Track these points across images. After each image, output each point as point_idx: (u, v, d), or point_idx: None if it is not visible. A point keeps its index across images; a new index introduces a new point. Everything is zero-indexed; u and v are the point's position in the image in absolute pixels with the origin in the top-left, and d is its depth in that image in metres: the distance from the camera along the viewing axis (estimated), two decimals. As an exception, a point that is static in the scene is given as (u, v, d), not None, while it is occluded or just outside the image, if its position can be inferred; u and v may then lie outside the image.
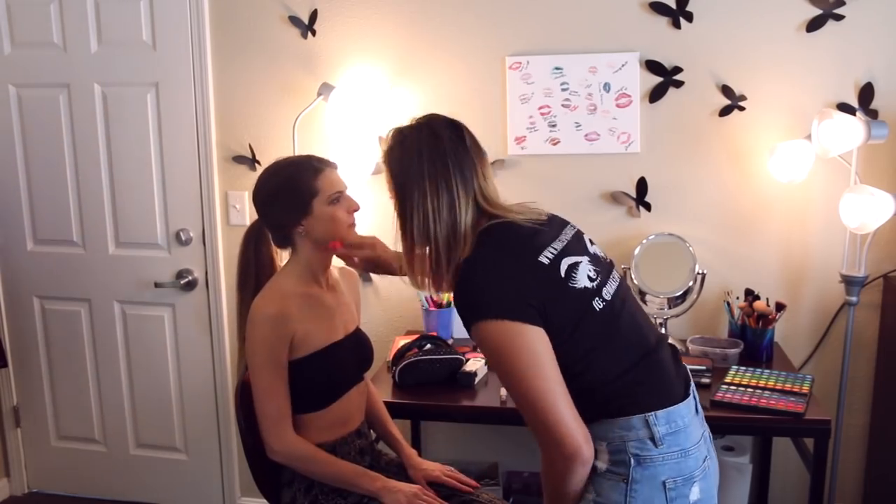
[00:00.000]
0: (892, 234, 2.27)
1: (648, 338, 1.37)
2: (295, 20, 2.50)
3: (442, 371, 2.04)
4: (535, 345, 1.24)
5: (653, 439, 1.27)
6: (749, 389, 1.97)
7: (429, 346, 2.13)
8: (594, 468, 1.31)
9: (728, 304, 2.32)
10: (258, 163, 2.61)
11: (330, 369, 1.73)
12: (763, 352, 2.23)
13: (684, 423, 1.30)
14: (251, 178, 2.63)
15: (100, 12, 2.61)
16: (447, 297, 2.46)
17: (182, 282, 2.71)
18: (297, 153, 2.45)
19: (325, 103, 2.45)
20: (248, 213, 2.66)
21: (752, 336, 2.24)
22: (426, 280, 1.39)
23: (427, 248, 1.35)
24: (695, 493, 1.29)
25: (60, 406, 2.97)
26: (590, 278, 1.33)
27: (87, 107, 2.68)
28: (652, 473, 1.27)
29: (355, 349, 1.81)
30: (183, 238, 2.71)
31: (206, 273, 2.72)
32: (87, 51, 2.64)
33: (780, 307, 2.26)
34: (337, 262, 1.85)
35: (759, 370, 2.10)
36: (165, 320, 2.80)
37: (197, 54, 2.57)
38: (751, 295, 2.31)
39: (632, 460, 1.27)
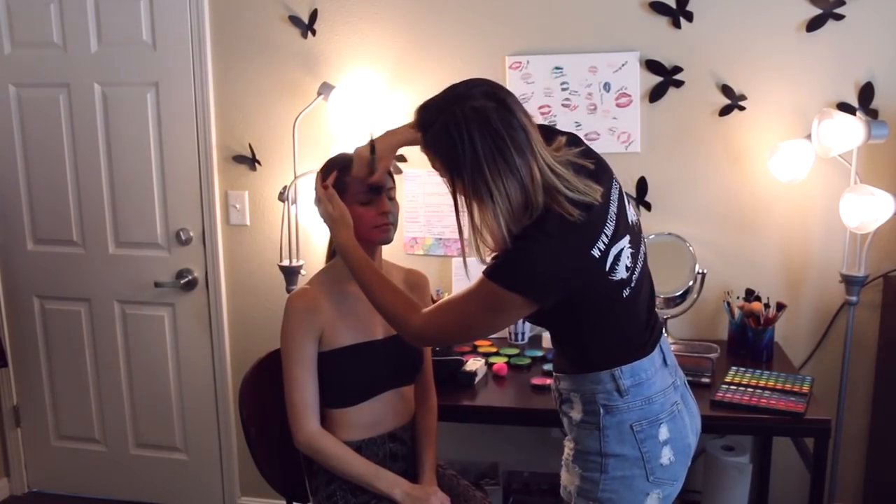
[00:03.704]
0: (893, 234, 2.27)
1: (646, 317, 1.47)
2: (295, 20, 2.50)
3: (442, 371, 2.04)
4: (515, 316, 1.40)
5: (619, 391, 1.41)
6: (749, 389, 1.97)
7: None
8: (570, 418, 1.48)
9: (728, 304, 2.32)
10: (258, 162, 2.61)
11: (357, 367, 1.74)
12: (763, 352, 2.23)
13: (647, 375, 1.43)
14: (251, 177, 2.63)
15: (100, 12, 2.61)
16: (447, 296, 2.45)
17: (182, 281, 2.71)
18: (298, 153, 2.46)
19: (325, 103, 2.45)
20: (247, 213, 2.66)
21: (752, 336, 2.24)
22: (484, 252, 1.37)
23: (494, 230, 1.31)
24: (663, 432, 1.43)
25: (60, 406, 2.97)
26: (627, 268, 1.38)
27: (87, 107, 2.68)
28: (619, 420, 1.41)
29: (395, 352, 1.79)
30: (183, 238, 2.71)
31: (206, 273, 2.72)
32: (87, 51, 2.64)
33: (780, 307, 2.26)
34: (402, 263, 1.93)
35: (759, 370, 2.10)
36: (165, 320, 2.80)
37: (197, 54, 2.57)
38: (751, 295, 2.31)
39: (601, 410, 1.42)
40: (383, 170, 1.66)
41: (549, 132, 1.43)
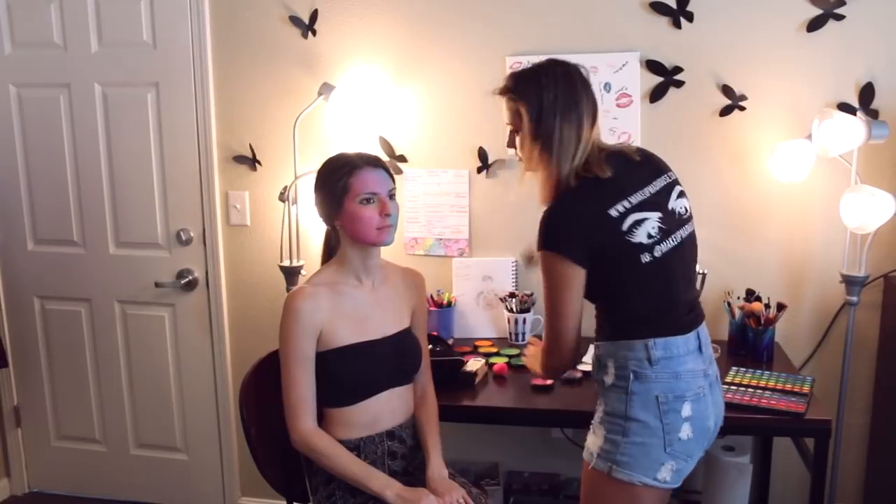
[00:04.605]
0: (893, 234, 2.27)
1: (677, 293, 1.57)
2: (295, 20, 2.50)
3: (442, 371, 2.04)
4: (571, 280, 1.52)
5: (649, 360, 1.51)
6: (749, 389, 1.97)
7: (429, 346, 2.13)
8: (602, 383, 1.58)
9: (728, 304, 2.32)
10: (258, 163, 2.61)
11: (355, 367, 1.74)
12: (763, 352, 2.23)
13: (678, 352, 1.53)
14: (251, 177, 2.63)
15: (100, 12, 2.61)
16: (448, 296, 2.46)
17: (182, 282, 2.71)
18: (298, 153, 2.46)
19: (325, 103, 2.45)
20: (248, 213, 2.66)
21: (752, 336, 2.24)
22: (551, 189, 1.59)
23: (546, 168, 1.57)
24: (686, 409, 1.52)
25: (61, 406, 2.97)
26: (649, 235, 1.52)
27: (87, 107, 2.68)
28: (647, 388, 1.52)
29: (394, 352, 1.80)
30: (183, 238, 2.71)
31: (207, 273, 2.72)
32: (87, 51, 2.64)
33: (780, 307, 2.26)
34: (402, 263, 1.95)
35: (760, 370, 2.10)
36: (165, 320, 2.80)
37: (197, 54, 2.57)
38: (752, 295, 2.31)
39: (631, 375, 1.52)
40: None
41: None
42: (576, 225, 1.52)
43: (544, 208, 1.57)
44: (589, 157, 1.56)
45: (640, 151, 1.63)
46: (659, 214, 1.55)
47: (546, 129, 1.55)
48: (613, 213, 1.51)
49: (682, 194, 1.64)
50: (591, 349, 1.71)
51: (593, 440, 1.59)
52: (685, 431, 1.52)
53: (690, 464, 1.56)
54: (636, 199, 1.54)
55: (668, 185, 1.61)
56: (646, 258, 1.52)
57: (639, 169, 1.59)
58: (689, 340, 1.55)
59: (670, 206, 1.59)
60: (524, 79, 1.61)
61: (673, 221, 1.57)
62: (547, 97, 1.55)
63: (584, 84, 1.58)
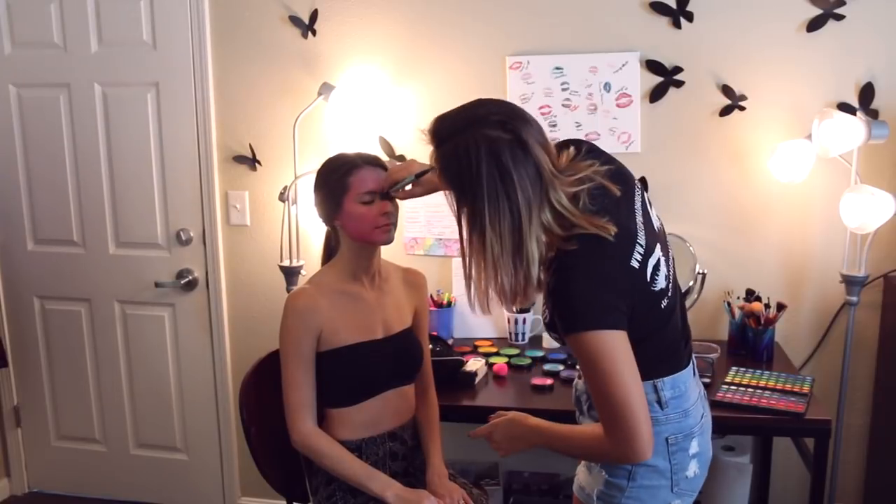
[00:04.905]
0: (893, 234, 2.27)
1: (682, 326, 1.46)
2: (295, 20, 2.50)
3: (442, 371, 2.04)
4: (627, 352, 1.26)
5: (659, 402, 1.38)
6: (749, 389, 1.97)
7: (429, 346, 2.13)
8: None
9: (728, 304, 2.32)
10: (258, 163, 2.61)
11: (356, 367, 1.74)
12: (763, 352, 2.23)
13: (686, 387, 1.42)
14: (251, 177, 2.63)
15: (100, 12, 2.61)
16: (447, 296, 2.46)
17: (182, 282, 2.71)
18: (298, 153, 2.46)
19: (325, 103, 2.45)
20: (248, 213, 2.66)
21: (753, 336, 2.24)
22: (486, 301, 1.32)
23: (487, 270, 1.28)
24: (694, 446, 1.42)
25: (60, 406, 2.97)
26: (666, 278, 1.37)
27: (87, 107, 2.68)
28: (657, 431, 1.35)
29: (396, 352, 1.80)
30: (183, 238, 2.71)
31: (207, 273, 2.72)
32: (87, 51, 2.64)
33: (780, 307, 2.26)
34: (402, 263, 1.94)
35: (760, 370, 2.10)
36: (165, 320, 2.80)
37: (197, 54, 2.57)
38: (752, 295, 2.31)
39: None
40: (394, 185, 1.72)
41: (558, 145, 1.39)
42: (611, 290, 1.27)
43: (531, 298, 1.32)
44: (569, 216, 1.28)
45: (612, 174, 1.36)
46: (659, 246, 1.37)
47: (472, 218, 1.26)
48: (635, 263, 1.30)
49: (646, 199, 1.43)
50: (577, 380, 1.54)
51: (589, 481, 1.46)
52: (692, 469, 1.43)
53: (694, 497, 1.47)
54: (642, 238, 1.33)
55: (641, 198, 1.40)
56: (665, 302, 1.36)
57: (624, 198, 1.35)
58: (689, 370, 1.45)
59: (655, 227, 1.40)
60: (443, 142, 1.29)
61: (665, 245, 1.41)
62: (470, 180, 1.24)
63: (517, 150, 1.24)
